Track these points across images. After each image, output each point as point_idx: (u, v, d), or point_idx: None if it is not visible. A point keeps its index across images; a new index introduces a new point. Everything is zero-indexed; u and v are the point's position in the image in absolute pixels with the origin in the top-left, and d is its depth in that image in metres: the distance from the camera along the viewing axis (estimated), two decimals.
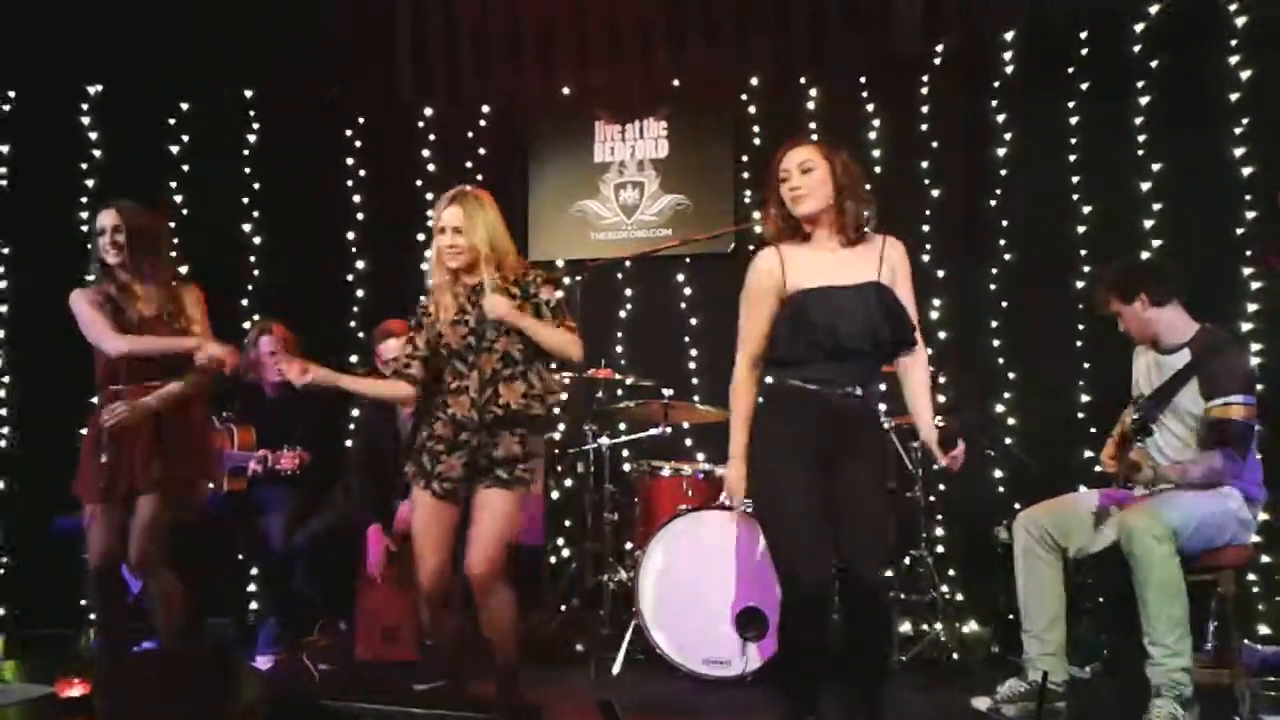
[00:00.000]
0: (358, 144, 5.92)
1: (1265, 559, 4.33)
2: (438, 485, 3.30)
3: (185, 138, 5.81)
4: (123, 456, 3.62)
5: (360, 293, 5.81)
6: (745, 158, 5.50)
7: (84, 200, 5.59)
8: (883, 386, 3.05)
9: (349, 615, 4.47)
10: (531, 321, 3.30)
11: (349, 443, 5.05)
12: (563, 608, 4.78)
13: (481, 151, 5.81)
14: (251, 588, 5.16)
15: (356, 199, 5.89)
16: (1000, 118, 5.08)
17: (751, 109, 5.50)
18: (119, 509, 3.64)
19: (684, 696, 3.90)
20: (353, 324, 5.76)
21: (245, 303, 5.71)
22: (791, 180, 3.01)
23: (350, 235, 5.86)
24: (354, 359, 5.66)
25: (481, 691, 3.42)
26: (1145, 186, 4.80)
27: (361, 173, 5.91)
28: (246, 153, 5.87)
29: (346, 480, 4.60)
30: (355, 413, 5.14)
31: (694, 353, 5.44)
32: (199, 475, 3.85)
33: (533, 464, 3.33)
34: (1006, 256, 5.03)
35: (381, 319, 4.59)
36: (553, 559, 5.35)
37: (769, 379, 3.02)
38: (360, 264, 5.85)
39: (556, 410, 3.43)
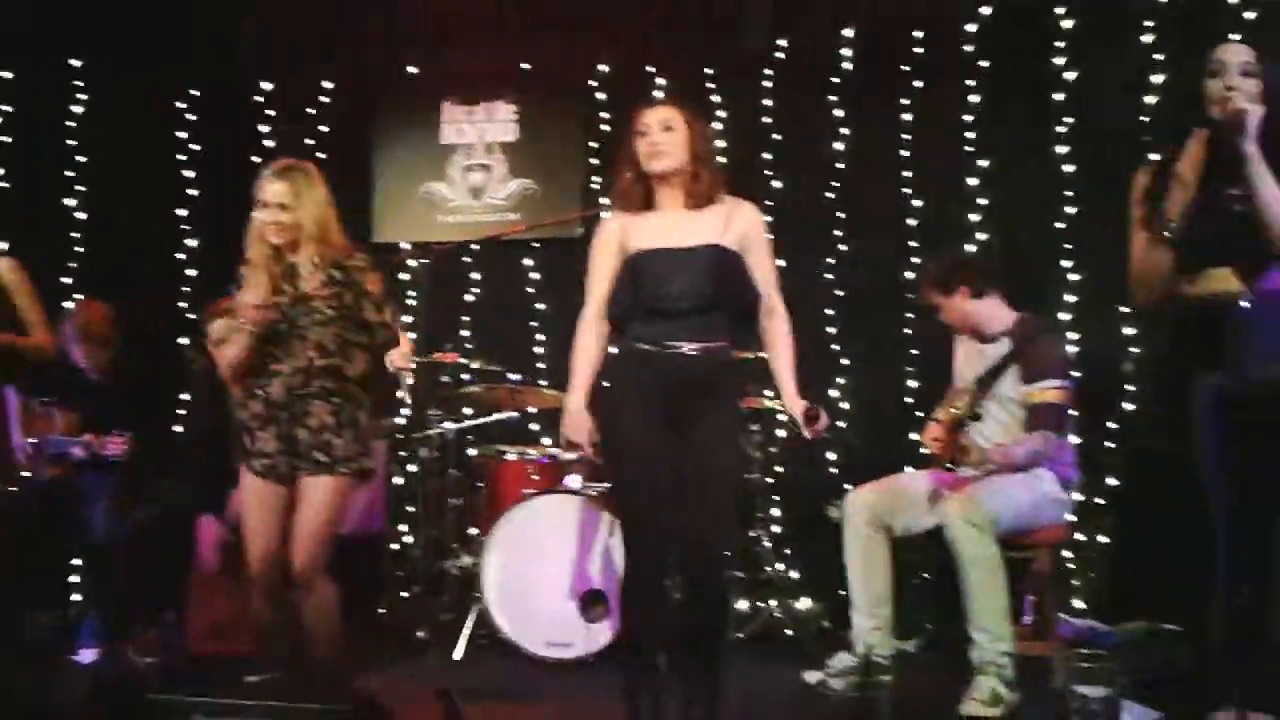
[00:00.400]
0: (191, 118, 5.69)
1: (1080, 536, 4.59)
2: (257, 463, 3.20)
3: (7, 108, 5.48)
4: None
5: (193, 272, 5.60)
6: (594, 144, 5.52)
7: None
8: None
9: (179, 607, 4.31)
10: None
11: (178, 427, 4.87)
12: (404, 594, 4.72)
13: (323, 129, 5.66)
14: (74, 579, 4.92)
15: (189, 174, 5.67)
16: (838, 113, 5.23)
17: (600, 96, 5.51)
18: None
19: (526, 680, 3.91)
20: (183, 304, 5.55)
21: (69, 280, 5.43)
22: (652, 135, 3.02)
23: (182, 212, 5.64)
24: (184, 340, 5.45)
25: (317, 683, 3.36)
26: (972, 182, 5.02)
27: (195, 147, 5.68)
28: (72, 124, 5.58)
29: (175, 466, 4.44)
30: (184, 396, 4.96)
31: (540, 337, 5.44)
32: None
33: (357, 447, 3.20)
34: (842, 246, 5.19)
35: (216, 299, 4.43)
36: (395, 545, 5.27)
37: (612, 346, 3.06)
38: (193, 242, 5.63)
39: (366, 393, 3.29)
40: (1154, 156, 2.93)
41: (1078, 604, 4.62)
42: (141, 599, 4.34)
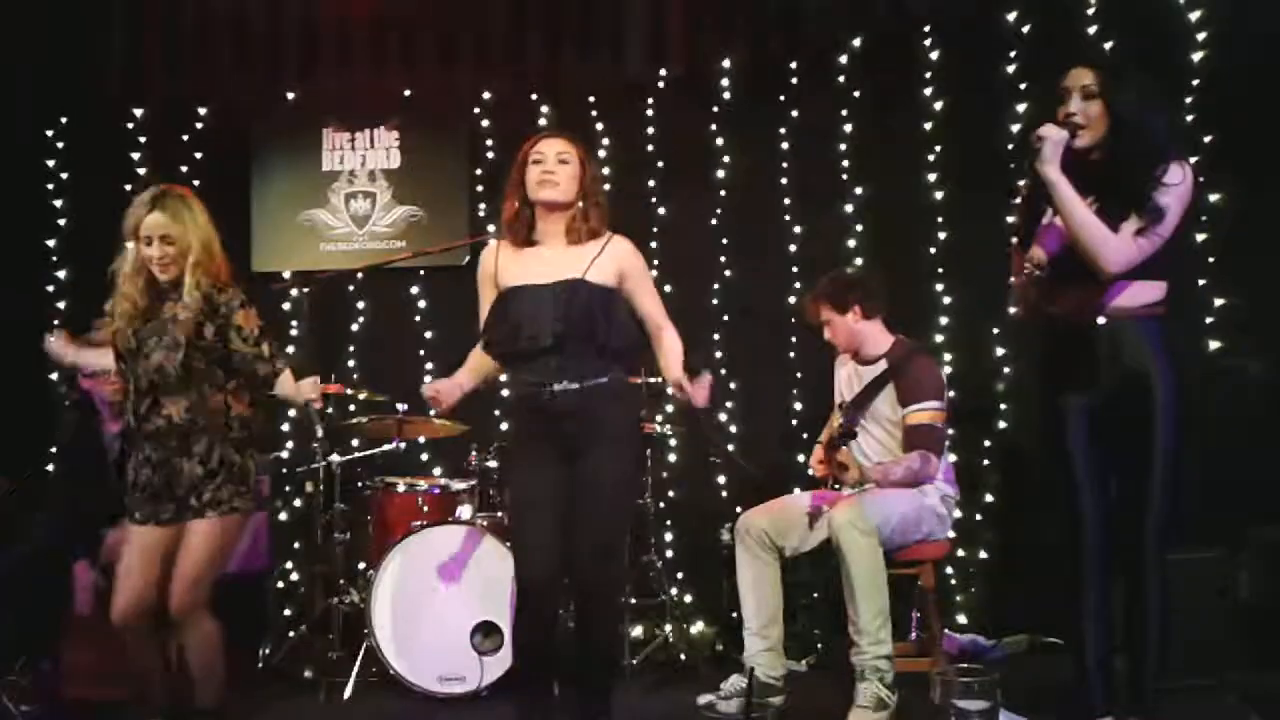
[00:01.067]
0: (59, 145, 5.50)
1: (961, 552, 4.74)
2: (138, 513, 3.13)
3: None
4: None
5: (62, 304, 5.40)
6: (479, 171, 5.50)
7: None
8: None
9: (54, 652, 4.13)
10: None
11: (49, 465, 4.68)
12: (290, 633, 4.61)
13: (198, 155, 5.53)
14: None
15: (58, 204, 5.47)
16: (719, 140, 5.33)
17: (485, 123, 5.51)
18: None
19: (418, 717, 3.86)
20: (52, 337, 5.32)
21: None
22: (546, 164, 3.07)
23: (50, 242, 5.44)
24: (54, 375, 5.25)
25: None
26: (849, 208, 5.16)
27: (63, 175, 5.49)
28: None
29: (47, 504, 4.26)
30: (55, 434, 4.77)
31: (429, 366, 5.37)
32: None
33: (232, 488, 3.13)
34: (727, 272, 5.28)
35: (86, 330, 4.27)
36: (280, 583, 5.14)
37: (507, 386, 3.09)
38: (61, 273, 5.43)
39: (243, 432, 3.21)
40: (1021, 184, 3.05)
41: (961, 619, 4.77)
42: (14, 644, 4.14)
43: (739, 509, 4.16)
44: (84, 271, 5.38)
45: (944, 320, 5.00)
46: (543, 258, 3.08)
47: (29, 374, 5.13)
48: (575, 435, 3.02)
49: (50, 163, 5.49)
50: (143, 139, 5.54)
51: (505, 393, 3.15)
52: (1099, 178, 2.88)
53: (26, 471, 4.38)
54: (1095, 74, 2.91)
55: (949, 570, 4.74)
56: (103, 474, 4.03)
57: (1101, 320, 2.91)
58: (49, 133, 5.50)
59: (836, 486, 3.85)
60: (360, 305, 5.50)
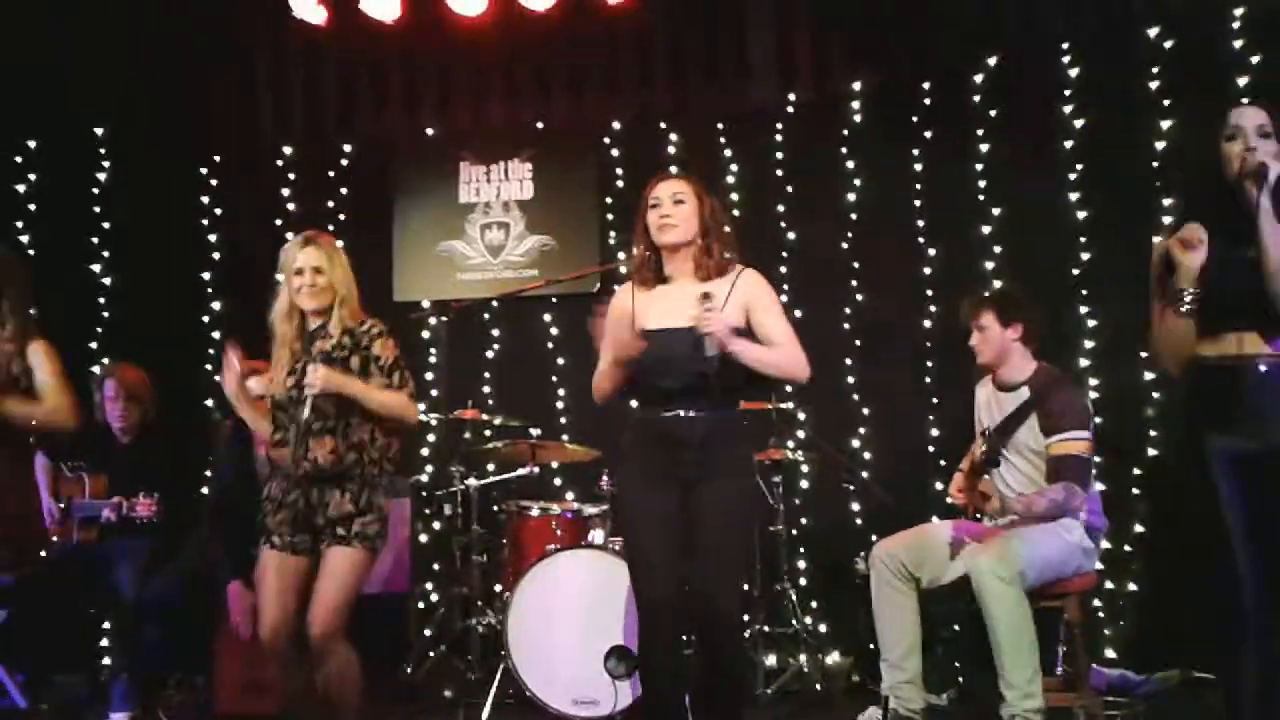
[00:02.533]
0: (214, 182, 5.79)
1: (1109, 584, 4.57)
2: (276, 539, 3.26)
3: (31, 176, 5.59)
4: None
5: (217, 334, 5.66)
6: (609, 200, 5.58)
7: None
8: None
9: (206, 668, 4.31)
10: (359, 387, 3.22)
11: (204, 490, 4.90)
12: (430, 654, 4.71)
13: (343, 191, 5.75)
14: (104, 642, 4.93)
15: (212, 238, 5.76)
16: (850, 164, 5.29)
17: (615, 152, 5.59)
18: None
19: None
20: (208, 367, 5.60)
21: (94, 345, 5.50)
22: (663, 208, 3.13)
23: (206, 275, 5.72)
24: (209, 403, 5.51)
25: None
26: (986, 230, 5.05)
27: (218, 211, 5.78)
28: (96, 191, 5.68)
29: (202, 528, 4.46)
30: (210, 458, 4.99)
31: (561, 392, 5.46)
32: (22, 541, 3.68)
33: (373, 519, 3.24)
34: (859, 297, 5.22)
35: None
36: (420, 604, 5.27)
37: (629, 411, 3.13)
38: (216, 305, 5.71)
39: (389, 468, 3.33)
40: (1168, 220, 2.93)
41: (1109, 653, 4.58)
42: (171, 662, 4.34)
43: (874, 537, 4.10)
44: (238, 302, 5.64)
45: (1088, 344, 4.84)
46: (674, 298, 3.13)
47: (187, 400, 5.43)
48: (691, 464, 3.03)
49: (205, 199, 5.77)
50: (291, 175, 5.78)
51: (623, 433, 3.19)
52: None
53: (182, 495, 4.56)
54: (1269, 113, 2.81)
55: (1097, 602, 4.56)
56: (256, 497, 4.19)
57: (1263, 367, 2.78)
58: (204, 170, 5.78)
59: (978, 517, 3.76)
60: (495, 333, 5.62)
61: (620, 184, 5.54)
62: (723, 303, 3.07)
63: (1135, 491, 4.67)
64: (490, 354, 5.60)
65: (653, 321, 3.13)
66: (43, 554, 3.93)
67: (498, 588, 4.64)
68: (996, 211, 5.06)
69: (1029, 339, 3.80)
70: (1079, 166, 4.97)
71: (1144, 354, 4.65)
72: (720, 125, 5.47)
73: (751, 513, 4.00)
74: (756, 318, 3.13)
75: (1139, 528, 4.64)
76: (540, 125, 5.68)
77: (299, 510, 3.25)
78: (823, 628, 4.90)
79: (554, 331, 5.56)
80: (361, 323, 3.31)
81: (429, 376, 5.59)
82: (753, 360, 3.06)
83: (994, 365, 3.84)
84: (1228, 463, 2.82)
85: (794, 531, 4.86)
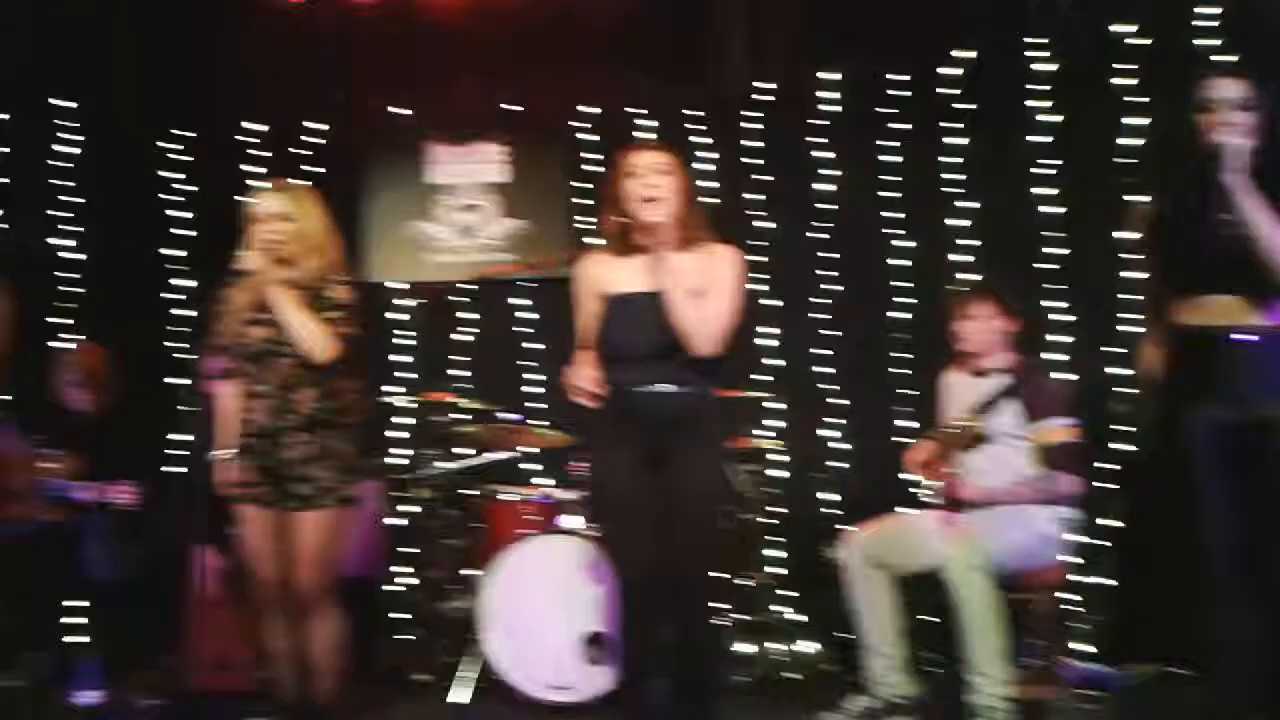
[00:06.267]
0: (184, 159, 5.70)
1: (1081, 578, 4.62)
2: (248, 491, 3.26)
3: (3, 150, 5.46)
4: None
5: (184, 311, 5.59)
6: (579, 184, 5.56)
7: None
8: None
9: (176, 646, 4.27)
10: (285, 297, 3.19)
11: (173, 468, 4.84)
12: (403, 637, 4.69)
13: (314, 170, 5.67)
14: (72, 620, 4.85)
15: (181, 215, 5.66)
16: (822, 155, 5.29)
17: (584, 137, 5.56)
18: None
19: None
20: (175, 343, 5.53)
21: (61, 320, 5.39)
22: (646, 178, 3.05)
23: (174, 252, 5.63)
24: (177, 380, 5.43)
25: None
26: (958, 223, 5.09)
27: (186, 188, 5.68)
28: (67, 166, 5.57)
29: (171, 505, 4.41)
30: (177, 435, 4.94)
31: (535, 376, 5.44)
32: None
33: (344, 475, 3.24)
34: (831, 288, 5.24)
35: (206, 338, 4.42)
36: (391, 588, 5.23)
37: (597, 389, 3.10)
38: (184, 282, 5.62)
39: (352, 417, 3.33)
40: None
41: (1081, 647, 4.65)
42: (141, 640, 4.30)
43: (847, 527, 4.13)
44: (204, 280, 5.55)
45: (1060, 338, 4.89)
46: (644, 265, 3.09)
47: (155, 377, 5.35)
48: (663, 441, 3.02)
49: (174, 176, 5.68)
50: (261, 154, 5.70)
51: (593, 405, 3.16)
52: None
53: (150, 472, 4.52)
54: (1245, 84, 2.83)
55: (1068, 596, 4.62)
56: None
57: (1247, 336, 2.82)
58: (174, 147, 5.69)
59: (941, 498, 3.80)
60: (468, 316, 5.58)
61: (590, 168, 5.51)
62: (691, 271, 3.05)
63: (1107, 486, 4.73)
64: (463, 337, 5.57)
65: (620, 287, 3.11)
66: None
67: (470, 572, 4.62)
68: (969, 205, 5.10)
69: (1013, 331, 3.84)
70: (1052, 161, 5.01)
71: (1115, 349, 4.73)
72: (692, 113, 5.46)
73: (725, 496, 4.04)
74: (710, 292, 3.09)
75: (1111, 521, 4.70)
76: (512, 108, 5.63)
77: (264, 458, 3.23)
78: (797, 616, 4.93)
79: (527, 315, 5.54)
80: (333, 271, 3.30)
81: (401, 359, 5.56)
82: (671, 299, 3.00)
83: (981, 353, 3.86)
84: (1209, 432, 2.85)
85: (767, 520, 4.88)
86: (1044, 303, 4.91)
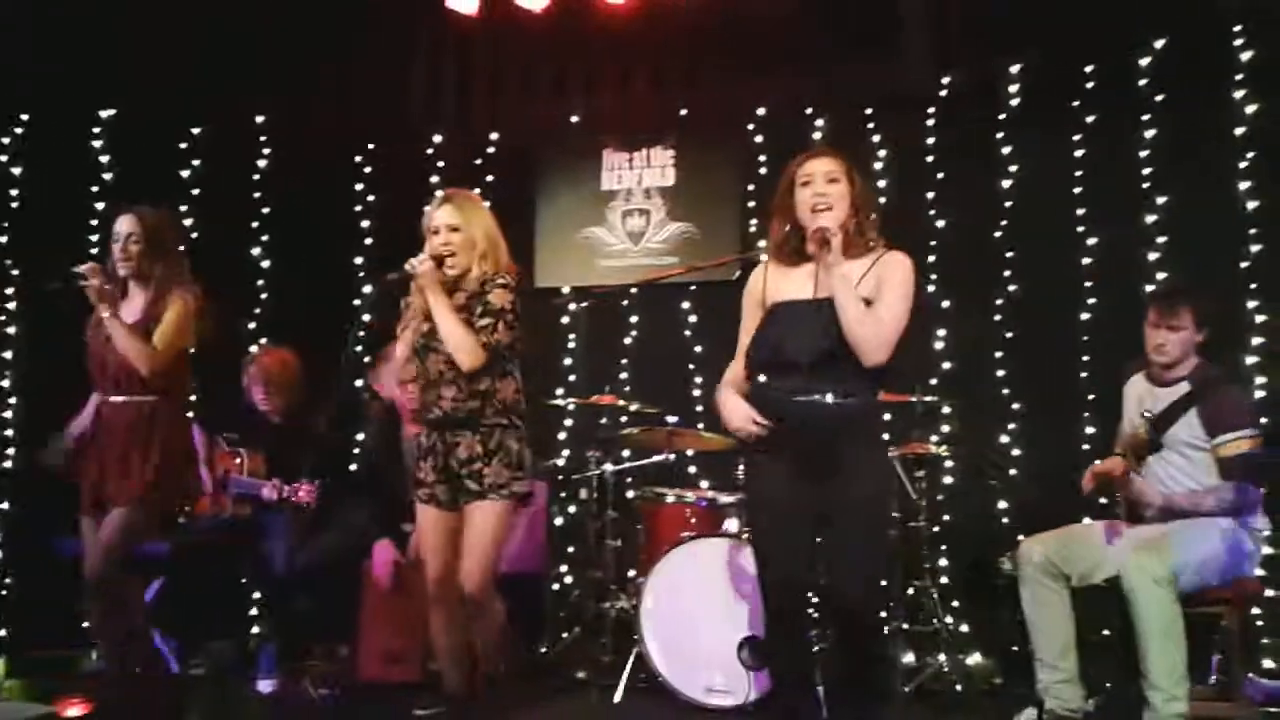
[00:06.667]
0: (367, 170, 5.96)
1: (1270, 592, 4.30)
2: (421, 492, 3.37)
3: (196, 162, 5.85)
4: (99, 467, 3.65)
5: (367, 317, 5.82)
6: (751, 187, 5.52)
7: (94, 224, 5.64)
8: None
9: (351, 638, 4.45)
10: (442, 303, 3.24)
11: (353, 466, 5.05)
12: (565, 635, 4.76)
13: (489, 178, 5.84)
14: (254, 611, 5.14)
15: (365, 224, 5.92)
16: (1006, 150, 5.10)
17: (759, 139, 5.53)
18: (98, 522, 3.66)
19: None
20: (359, 349, 5.76)
21: (253, 326, 5.73)
22: (816, 186, 3.00)
23: (358, 260, 5.89)
24: (359, 383, 5.67)
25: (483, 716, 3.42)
26: (1150, 219, 4.81)
27: (370, 198, 5.94)
28: (256, 177, 5.92)
29: (351, 503, 4.60)
30: (360, 436, 5.15)
31: (698, 380, 5.43)
32: (182, 494, 3.86)
33: (503, 466, 3.29)
34: (1012, 287, 5.03)
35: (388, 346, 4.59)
36: (555, 586, 5.33)
37: (752, 397, 3.03)
38: (367, 289, 5.87)
39: (516, 419, 3.36)
40: None
41: (1268, 663, 4.32)
42: (318, 631, 4.49)
43: (1020, 536, 3.95)
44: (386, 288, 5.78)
45: (1255, 340, 4.55)
46: (812, 274, 3.01)
47: (339, 381, 5.61)
48: (824, 449, 2.94)
49: (358, 186, 5.95)
50: (440, 163, 5.91)
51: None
52: None
53: (334, 473, 4.71)
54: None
55: (1256, 610, 4.30)
56: (403, 475, 4.31)
57: None
58: (357, 158, 5.96)
59: (1118, 512, 3.59)
60: (634, 319, 5.63)
61: (763, 171, 5.48)
62: (858, 279, 2.97)
63: None
64: (629, 341, 5.61)
65: (784, 296, 3.05)
66: (187, 509, 4.07)
67: (631, 573, 4.65)
68: (1161, 200, 4.81)
69: (1205, 340, 3.62)
70: (1249, 154, 4.67)
71: None
72: (869, 110, 5.35)
73: (890, 507, 3.91)
74: (879, 292, 2.98)
75: None
76: (684, 112, 5.65)
77: (438, 454, 3.34)
78: (964, 627, 4.75)
79: (692, 319, 5.54)
80: (499, 273, 3.35)
81: (568, 362, 5.65)
82: (840, 304, 2.89)
83: (1175, 364, 3.64)
84: None
85: (935, 529, 4.72)
86: (1249, 303, 4.59)
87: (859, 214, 3.04)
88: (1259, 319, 4.57)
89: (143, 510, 3.66)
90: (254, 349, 5.08)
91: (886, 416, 3.12)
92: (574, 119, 5.79)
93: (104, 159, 5.78)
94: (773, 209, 3.15)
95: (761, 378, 3.04)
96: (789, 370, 2.96)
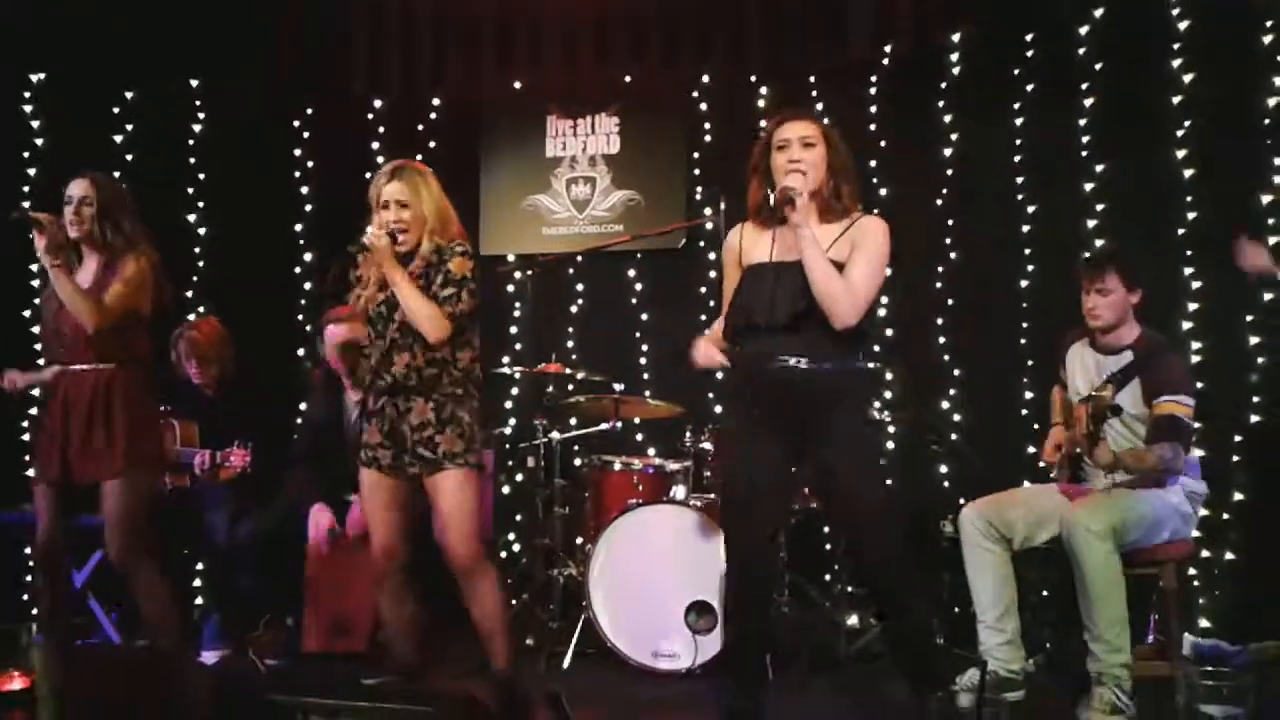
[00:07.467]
0: (306, 135, 5.86)
1: (1205, 553, 4.42)
2: (365, 453, 3.33)
3: (129, 127, 5.71)
4: (62, 438, 3.57)
5: (307, 285, 5.75)
6: (696, 154, 5.53)
7: (26, 190, 5.50)
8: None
9: (296, 609, 4.41)
10: (400, 277, 3.20)
11: (295, 436, 4.98)
12: (514, 603, 4.76)
13: (432, 145, 5.78)
14: (195, 583, 5.07)
15: (304, 190, 5.83)
16: (947, 118, 5.15)
17: (703, 106, 5.52)
18: (54, 491, 3.59)
19: (633, 689, 3.90)
20: (300, 317, 5.70)
21: (190, 294, 5.61)
22: (792, 151, 3.00)
23: (298, 227, 5.80)
24: (300, 352, 5.61)
25: (431, 685, 3.41)
26: (1089, 187, 4.88)
27: (309, 164, 5.84)
28: (191, 142, 5.79)
29: (291, 474, 4.54)
30: (302, 405, 5.09)
31: (645, 348, 5.45)
32: (162, 458, 3.83)
33: (454, 435, 3.26)
34: (953, 255, 5.10)
35: (326, 310, 4.54)
36: (503, 554, 5.33)
37: (727, 359, 3.08)
38: (308, 256, 5.79)
39: (471, 388, 3.33)
40: None
41: (1204, 623, 4.45)
42: (261, 602, 4.45)
43: (961, 500, 4.02)
44: (328, 254, 5.69)
45: (1192, 306, 4.65)
46: (787, 237, 3.01)
47: (278, 349, 5.55)
48: (800, 417, 2.96)
49: (297, 152, 5.85)
50: (381, 129, 5.83)
51: (720, 375, 3.09)
52: None
53: (272, 441, 4.65)
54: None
55: (1192, 571, 4.42)
56: (346, 443, 4.27)
57: None
58: (296, 123, 5.85)
59: (1081, 477, 3.66)
60: (579, 288, 5.62)
61: (708, 139, 5.49)
62: (831, 242, 2.99)
63: (1235, 459, 4.50)
64: (574, 309, 5.61)
65: (759, 258, 3.06)
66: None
67: (579, 540, 4.67)
68: (1099, 168, 4.88)
69: (1140, 303, 3.69)
70: (1186, 123, 4.74)
71: (1249, 317, 4.48)
72: (813, 79, 5.36)
73: (877, 465, 3.89)
74: (851, 255, 3.01)
75: (1238, 495, 4.47)
76: (629, 79, 5.62)
77: (387, 418, 3.29)
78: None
79: (638, 287, 5.54)
80: (453, 241, 3.31)
81: (513, 330, 5.63)
82: (807, 264, 2.91)
83: (1110, 327, 3.70)
84: None
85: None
86: (1184, 269, 4.67)
87: (836, 178, 3.05)
88: (1195, 285, 4.67)
89: (141, 475, 3.60)
90: (194, 316, 4.99)
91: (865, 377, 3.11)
92: (518, 85, 5.74)
93: (34, 124, 5.62)
94: (749, 170, 3.16)
95: (741, 340, 3.07)
96: (759, 333, 2.98)
